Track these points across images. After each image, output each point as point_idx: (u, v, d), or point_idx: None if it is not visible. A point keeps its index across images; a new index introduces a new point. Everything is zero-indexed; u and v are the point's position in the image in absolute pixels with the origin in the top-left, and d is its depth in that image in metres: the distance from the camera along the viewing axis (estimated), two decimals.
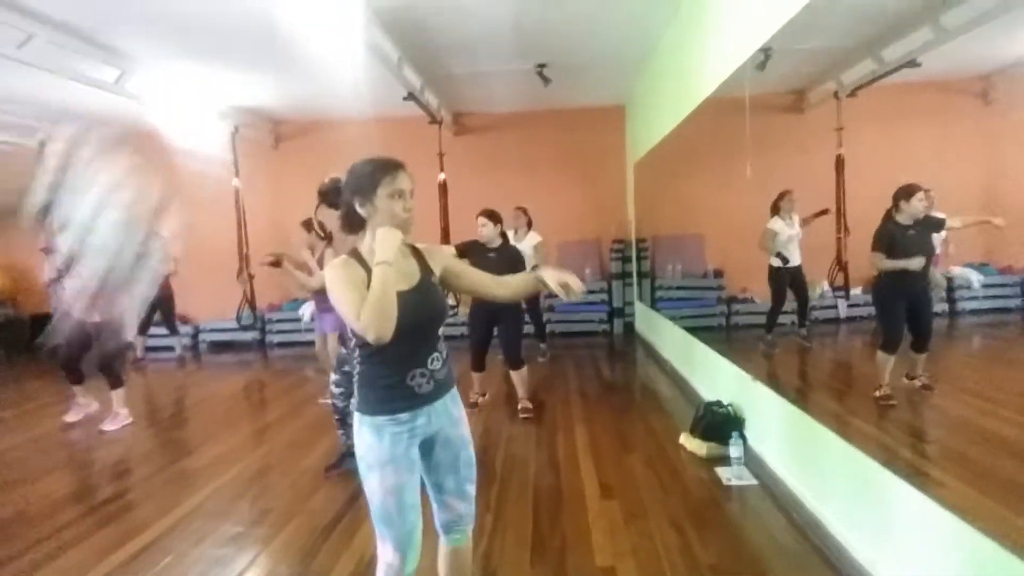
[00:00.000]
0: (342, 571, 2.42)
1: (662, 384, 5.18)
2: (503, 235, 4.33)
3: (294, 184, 6.82)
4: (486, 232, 4.19)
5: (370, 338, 1.45)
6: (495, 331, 4.40)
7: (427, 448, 1.67)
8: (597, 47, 5.63)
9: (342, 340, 3.36)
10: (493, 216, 4.22)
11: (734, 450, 3.15)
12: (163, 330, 7.30)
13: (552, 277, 1.69)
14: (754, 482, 3.01)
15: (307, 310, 7.48)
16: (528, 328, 5.33)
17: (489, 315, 4.33)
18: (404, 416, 1.59)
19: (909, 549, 1.92)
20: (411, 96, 5.90)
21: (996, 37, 2.22)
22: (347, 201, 1.63)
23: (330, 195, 1.68)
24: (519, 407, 4.36)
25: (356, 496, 2.99)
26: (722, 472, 3.12)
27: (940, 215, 2.74)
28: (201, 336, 8.23)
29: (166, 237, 2.54)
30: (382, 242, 1.52)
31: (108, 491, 3.43)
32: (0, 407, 5.41)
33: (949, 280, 3.17)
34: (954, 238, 2.89)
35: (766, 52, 3.03)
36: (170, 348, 7.49)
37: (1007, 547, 1.47)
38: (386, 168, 1.60)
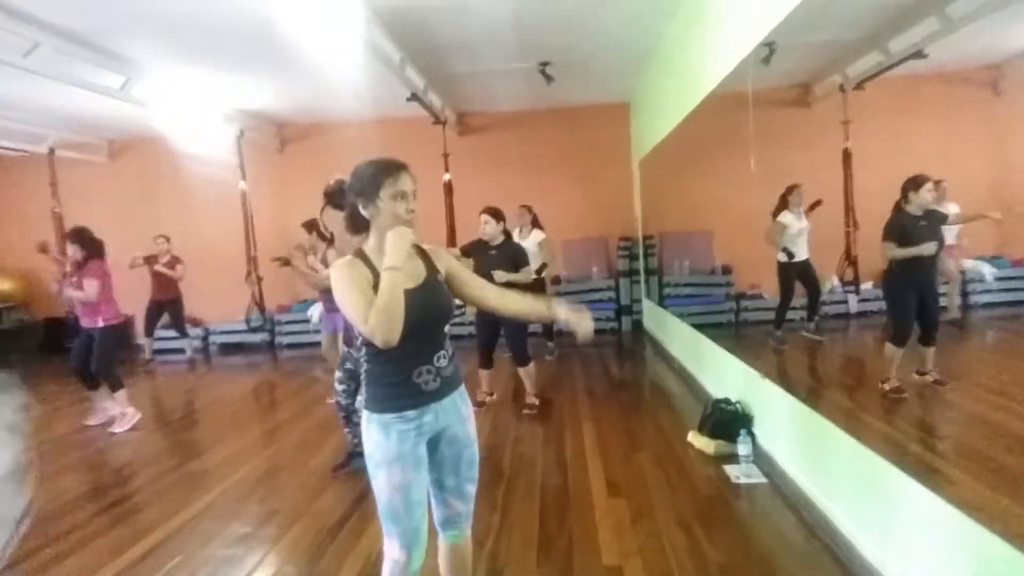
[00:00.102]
0: (349, 571, 2.43)
1: (670, 382, 5.15)
2: (506, 232, 4.35)
3: (300, 186, 6.87)
4: (489, 229, 4.21)
5: (377, 342, 1.46)
6: (501, 330, 4.41)
7: (433, 444, 1.68)
8: (599, 44, 5.59)
9: (347, 339, 3.36)
10: (496, 213, 4.25)
11: (742, 448, 3.13)
12: (173, 332, 7.37)
13: (566, 312, 1.71)
14: (763, 480, 2.98)
15: (316, 311, 7.52)
16: (535, 327, 5.32)
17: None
18: (411, 413, 1.59)
19: (918, 547, 1.90)
20: (415, 97, 5.90)
21: (1004, 26, 2.18)
22: (351, 203, 1.64)
23: (335, 196, 1.69)
24: (525, 402, 4.44)
25: (363, 496, 3.01)
26: (730, 470, 3.10)
27: (954, 207, 2.71)
28: (211, 338, 8.30)
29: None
30: (393, 244, 1.51)
31: (118, 492, 3.46)
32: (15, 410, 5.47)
33: (962, 273, 3.12)
34: (966, 232, 2.86)
35: (770, 46, 2.99)
36: (180, 351, 7.56)
37: (1017, 545, 1.45)
38: (388, 169, 1.60)
